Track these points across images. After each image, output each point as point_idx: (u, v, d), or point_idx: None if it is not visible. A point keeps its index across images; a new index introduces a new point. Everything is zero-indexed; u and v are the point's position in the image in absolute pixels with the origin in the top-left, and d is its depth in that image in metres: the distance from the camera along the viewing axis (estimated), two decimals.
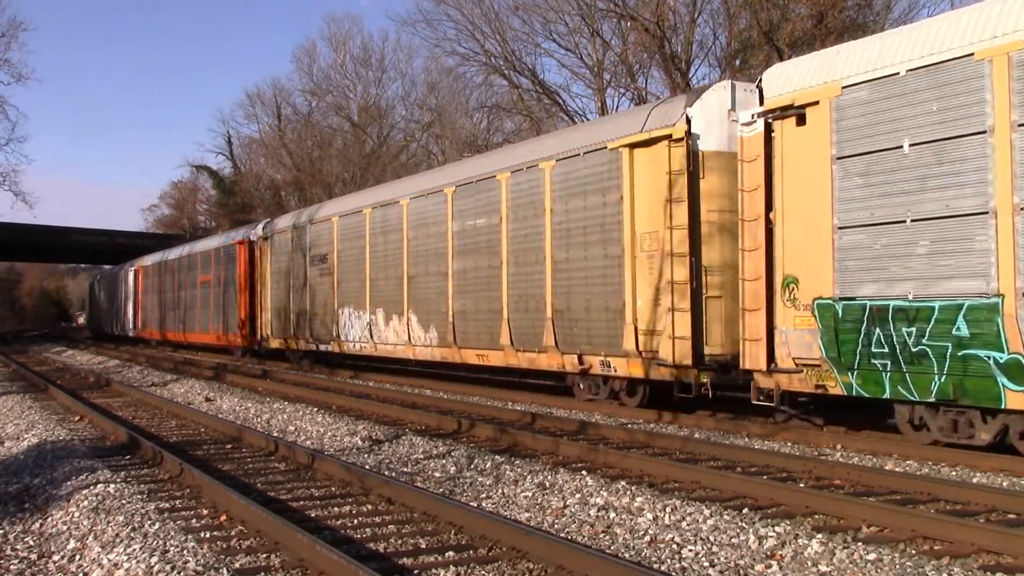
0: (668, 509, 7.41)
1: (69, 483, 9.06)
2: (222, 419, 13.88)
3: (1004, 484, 8.55)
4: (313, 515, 7.61)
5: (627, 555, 6.35)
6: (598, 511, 7.54)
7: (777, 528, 6.78)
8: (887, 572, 5.87)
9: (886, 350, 9.78)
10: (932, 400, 9.55)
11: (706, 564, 6.10)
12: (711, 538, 6.65)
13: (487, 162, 17.85)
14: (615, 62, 34.47)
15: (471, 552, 6.41)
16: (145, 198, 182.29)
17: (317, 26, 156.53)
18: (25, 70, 62.84)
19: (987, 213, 8.97)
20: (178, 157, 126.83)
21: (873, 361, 9.93)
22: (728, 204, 12.34)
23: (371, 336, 21.04)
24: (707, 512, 7.27)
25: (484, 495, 8.30)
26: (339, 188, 48.22)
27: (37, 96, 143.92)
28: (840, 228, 10.33)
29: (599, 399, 14.50)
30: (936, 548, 6.42)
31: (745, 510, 7.47)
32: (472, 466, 9.56)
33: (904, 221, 9.68)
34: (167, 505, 8.04)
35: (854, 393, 10.24)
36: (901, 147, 9.70)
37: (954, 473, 9.15)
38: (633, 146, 13.29)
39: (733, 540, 6.59)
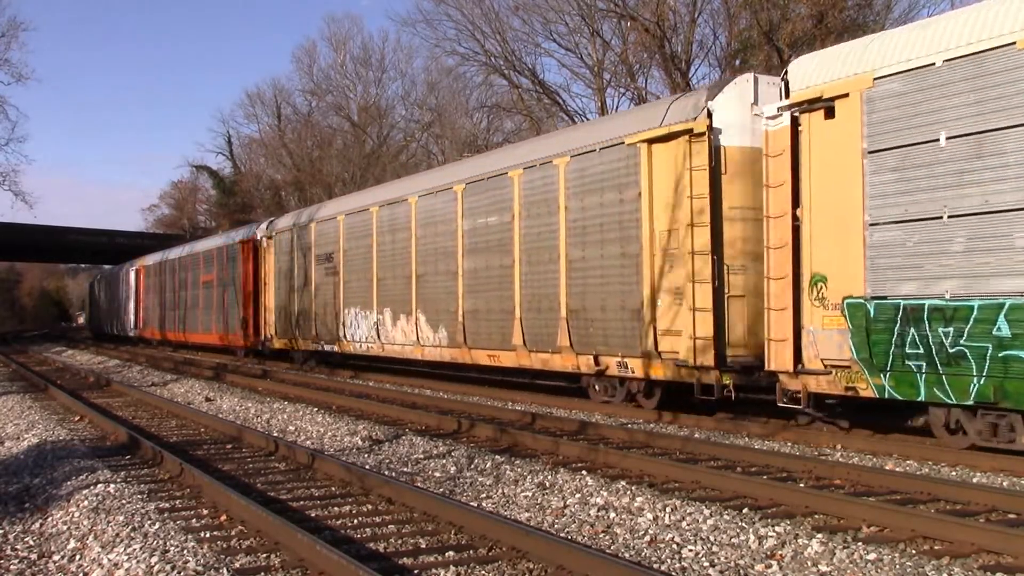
0: (668, 509, 7.41)
1: (69, 483, 9.06)
2: (222, 419, 13.88)
3: (1004, 484, 8.55)
4: (313, 515, 7.61)
5: (627, 555, 6.35)
6: (598, 511, 7.54)
7: (777, 528, 6.78)
8: (887, 572, 5.87)
9: (921, 351, 9.46)
10: (970, 403, 9.21)
11: (706, 564, 6.10)
12: (711, 538, 6.65)
13: (498, 159, 17.54)
14: (615, 62, 34.51)
15: (471, 552, 6.41)
16: (145, 198, 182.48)
17: (317, 26, 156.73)
18: (25, 70, 62.88)
19: None
20: (178, 157, 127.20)
21: (907, 362, 9.61)
22: (751, 200, 12.05)
23: (378, 336, 20.82)
24: (707, 512, 7.27)
25: (484, 495, 8.30)
26: (339, 188, 48.23)
27: (37, 96, 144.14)
28: (872, 224, 10.01)
29: (615, 401, 14.17)
30: (936, 548, 6.42)
31: (745, 510, 7.47)
32: (472, 466, 9.56)
33: (940, 217, 9.35)
34: (167, 505, 8.04)
35: (886, 396, 9.92)
36: (937, 140, 9.38)
37: (954, 473, 9.14)
38: (652, 141, 12.96)
39: (733, 540, 6.59)
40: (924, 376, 9.49)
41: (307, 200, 48.05)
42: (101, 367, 28.27)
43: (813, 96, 10.68)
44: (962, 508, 7.60)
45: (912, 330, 9.56)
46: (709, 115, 12.27)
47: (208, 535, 6.97)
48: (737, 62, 30.25)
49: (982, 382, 8.99)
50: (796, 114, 10.94)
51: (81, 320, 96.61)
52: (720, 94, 12.46)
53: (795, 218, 10.93)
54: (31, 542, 7.28)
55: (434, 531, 6.98)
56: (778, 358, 11.06)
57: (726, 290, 12.20)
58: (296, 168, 55.79)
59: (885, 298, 9.87)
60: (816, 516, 7.33)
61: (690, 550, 6.39)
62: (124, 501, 8.10)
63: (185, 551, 6.43)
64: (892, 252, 9.85)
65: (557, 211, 14.89)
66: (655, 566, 6.06)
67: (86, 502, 8.17)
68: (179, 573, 5.98)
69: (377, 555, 6.41)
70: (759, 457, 9.78)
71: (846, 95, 10.30)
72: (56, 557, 6.76)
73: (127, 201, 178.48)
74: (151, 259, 42.73)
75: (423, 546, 6.61)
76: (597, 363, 14.03)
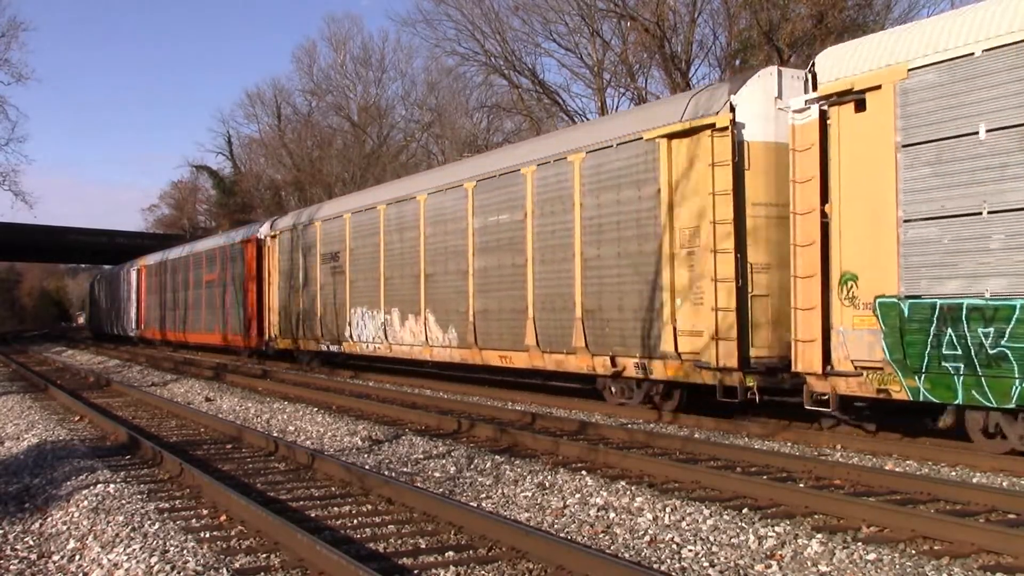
0: (668, 509, 7.41)
1: (69, 483, 9.06)
2: (222, 419, 13.88)
3: (1004, 484, 8.55)
4: (313, 515, 7.61)
5: (627, 555, 6.35)
6: (598, 511, 7.54)
7: (777, 528, 6.78)
8: (887, 572, 5.87)
9: (959, 352, 9.07)
10: (1011, 406, 8.82)
11: (706, 564, 6.10)
12: (711, 538, 6.66)
13: (510, 155, 17.11)
14: (615, 62, 34.54)
15: (471, 552, 6.42)
16: (145, 198, 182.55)
17: (317, 26, 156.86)
18: (25, 70, 63.19)
19: None
20: (178, 157, 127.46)
21: (944, 364, 9.22)
22: (775, 197, 11.75)
23: (385, 336, 20.52)
24: (707, 512, 7.27)
25: (484, 495, 8.30)
26: (339, 188, 48.25)
27: (37, 96, 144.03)
28: (906, 221, 9.63)
29: (632, 403, 13.82)
30: (936, 548, 6.42)
31: (745, 510, 7.47)
32: (472, 466, 9.56)
33: (980, 213, 8.96)
34: (167, 505, 8.04)
35: (921, 398, 9.53)
36: (977, 133, 9.02)
37: (954, 473, 9.14)
38: (671, 136, 12.62)
39: (733, 540, 6.59)
40: (962, 378, 9.11)
41: (307, 200, 48.06)
42: (101, 367, 28.27)
43: (843, 88, 10.29)
44: (962, 508, 7.60)
45: (949, 330, 9.17)
46: (732, 109, 11.93)
47: (208, 535, 6.97)
48: (737, 62, 30.28)
49: None
50: (824, 107, 10.58)
51: (81, 320, 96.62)
52: (743, 87, 12.11)
53: (823, 214, 10.58)
54: (31, 542, 7.28)
55: (434, 531, 6.98)
56: (805, 359, 10.69)
57: (749, 289, 11.81)
58: (296, 168, 55.81)
59: (920, 297, 9.50)
60: (816, 516, 7.33)
61: (690, 550, 6.39)
62: (124, 501, 8.11)
63: (185, 551, 6.43)
64: (927, 249, 9.45)
65: (572, 208, 14.53)
66: (655, 566, 6.06)
67: (86, 502, 8.17)
68: (179, 573, 5.98)
69: (377, 555, 6.42)
70: (759, 457, 9.78)
71: (878, 87, 9.93)
72: (56, 557, 6.77)
73: (127, 201, 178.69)
74: (152, 259, 42.70)
75: (423, 546, 6.61)
76: (614, 364, 13.69)
